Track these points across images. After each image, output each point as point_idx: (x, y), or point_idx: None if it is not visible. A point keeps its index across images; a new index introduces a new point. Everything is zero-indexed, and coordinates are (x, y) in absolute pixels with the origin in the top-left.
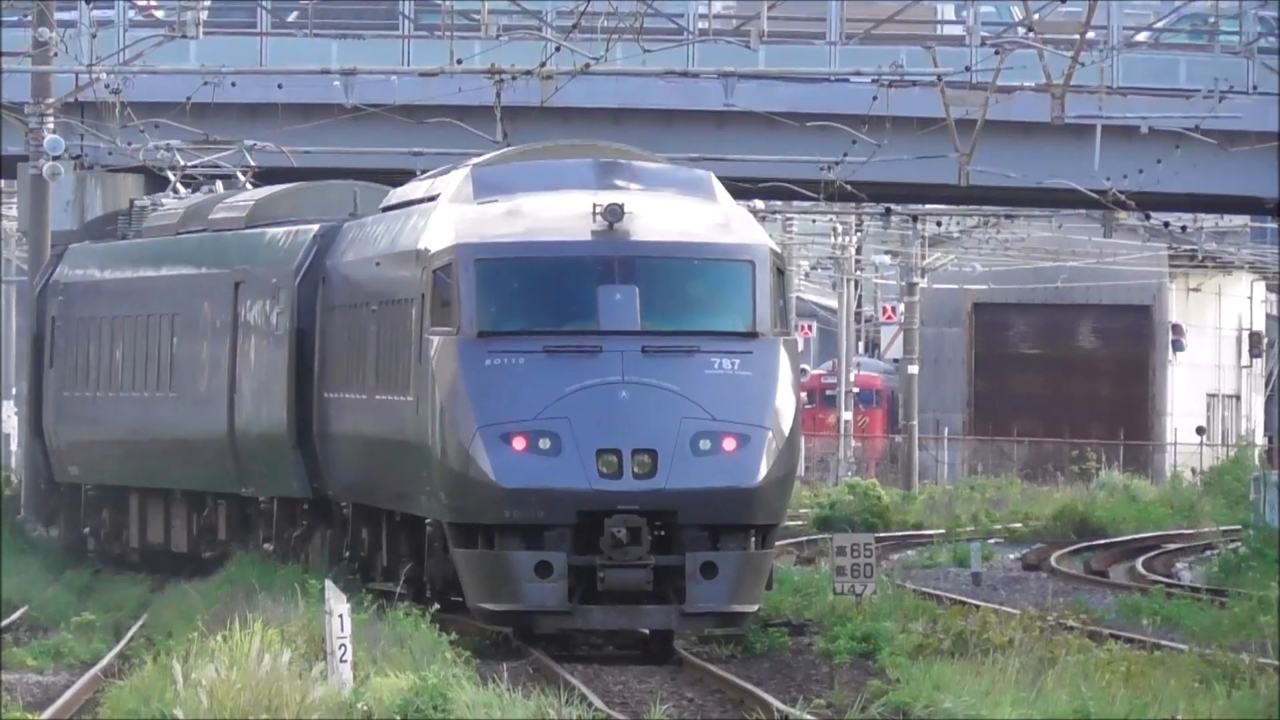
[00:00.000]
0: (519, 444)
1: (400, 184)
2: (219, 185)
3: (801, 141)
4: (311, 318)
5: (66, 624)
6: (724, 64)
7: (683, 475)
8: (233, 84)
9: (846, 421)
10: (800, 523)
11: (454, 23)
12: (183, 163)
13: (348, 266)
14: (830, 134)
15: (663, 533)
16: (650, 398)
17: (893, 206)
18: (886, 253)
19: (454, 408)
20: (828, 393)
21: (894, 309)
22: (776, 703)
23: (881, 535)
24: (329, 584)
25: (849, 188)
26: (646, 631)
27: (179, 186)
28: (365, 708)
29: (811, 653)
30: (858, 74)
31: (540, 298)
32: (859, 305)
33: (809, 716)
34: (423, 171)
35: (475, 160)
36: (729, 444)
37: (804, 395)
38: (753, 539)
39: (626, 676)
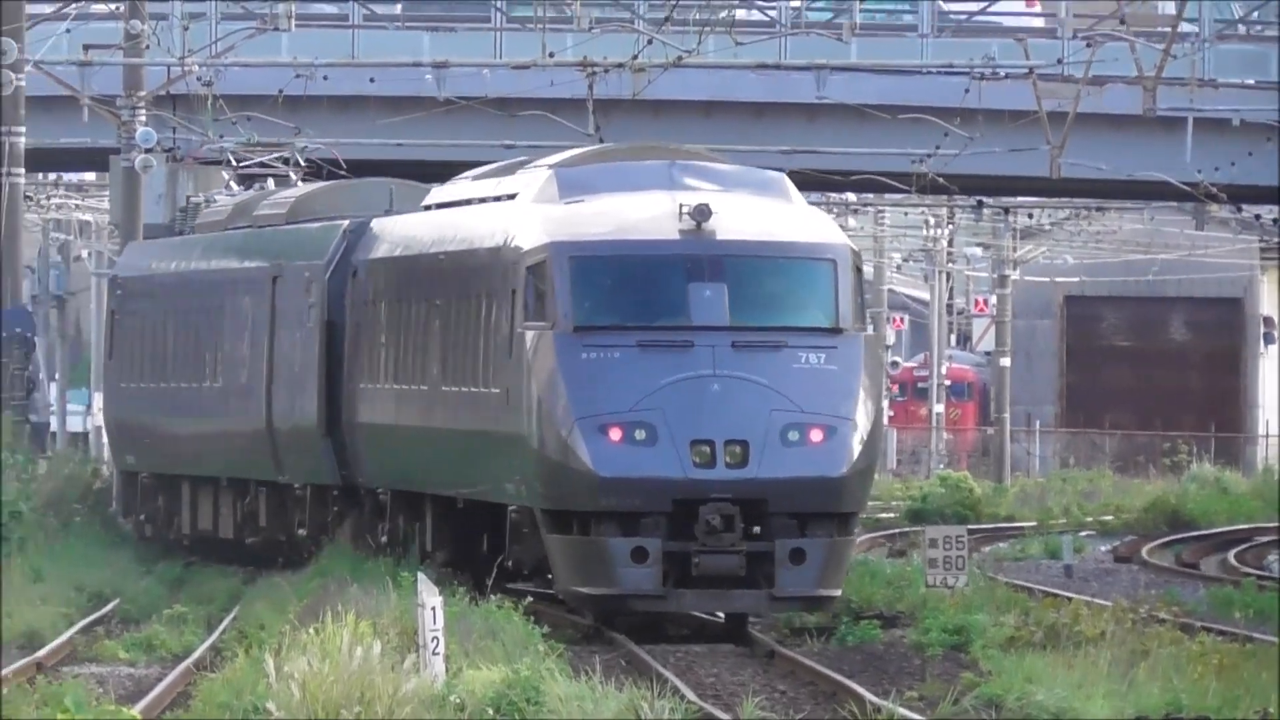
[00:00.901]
0: (615, 435)
1: (433, 181)
2: (270, 183)
3: (893, 134)
4: (341, 310)
5: (158, 616)
6: (816, 56)
7: (773, 465)
8: (325, 77)
9: (938, 414)
10: (892, 515)
11: (546, 15)
12: (234, 160)
13: (390, 261)
14: (922, 126)
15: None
16: (741, 391)
17: (984, 199)
18: (978, 245)
19: (552, 400)
20: (919, 385)
21: (986, 301)
22: (869, 695)
23: (973, 528)
24: (421, 576)
25: (941, 180)
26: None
27: (232, 184)
28: (458, 700)
29: (903, 645)
30: (950, 66)
31: (633, 294)
32: (951, 298)
33: (902, 709)
34: (463, 168)
35: (550, 161)
36: (816, 435)
37: (895, 388)
38: (837, 527)
39: (719, 669)
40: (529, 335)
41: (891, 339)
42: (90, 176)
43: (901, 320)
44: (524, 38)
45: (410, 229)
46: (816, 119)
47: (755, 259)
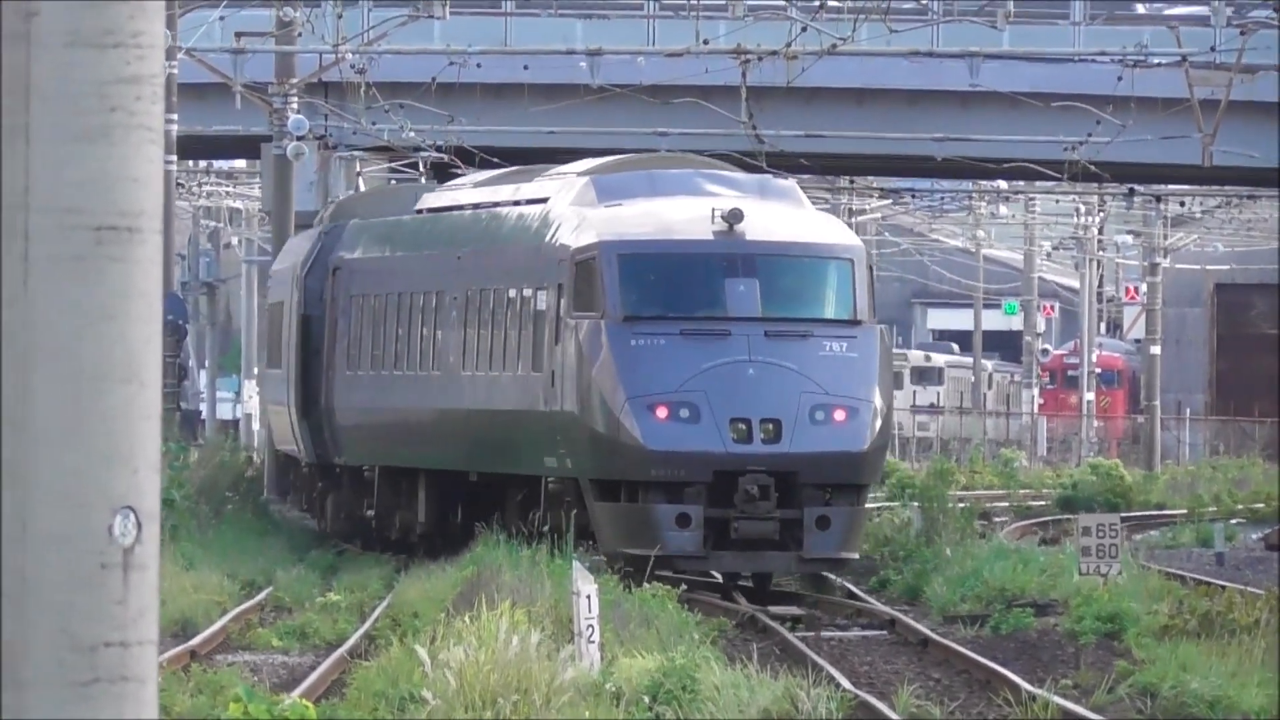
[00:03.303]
0: (662, 413)
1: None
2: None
3: (1045, 122)
4: (319, 306)
5: (311, 604)
6: (969, 44)
7: (803, 440)
8: (478, 65)
9: (1088, 402)
10: (1043, 503)
11: (700, 2)
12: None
13: (382, 260)
14: (1074, 114)
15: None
16: (774, 374)
17: (1136, 187)
18: (1128, 233)
19: (604, 381)
20: (1069, 373)
21: (1136, 289)
22: (1024, 683)
23: (1124, 515)
24: (576, 564)
25: (1092, 168)
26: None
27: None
28: (614, 689)
29: (1057, 633)
30: (1102, 54)
31: (674, 288)
32: (1101, 285)
33: (1057, 698)
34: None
35: (577, 169)
36: (840, 415)
37: (1045, 375)
38: (856, 497)
39: (872, 657)
40: (580, 324)
41: (1041, 327)
42: (240, 164)
43: (1051, 308)
44: (677, 25)
45: (406, 230)
46: (969, 106)
47: (783, 257)
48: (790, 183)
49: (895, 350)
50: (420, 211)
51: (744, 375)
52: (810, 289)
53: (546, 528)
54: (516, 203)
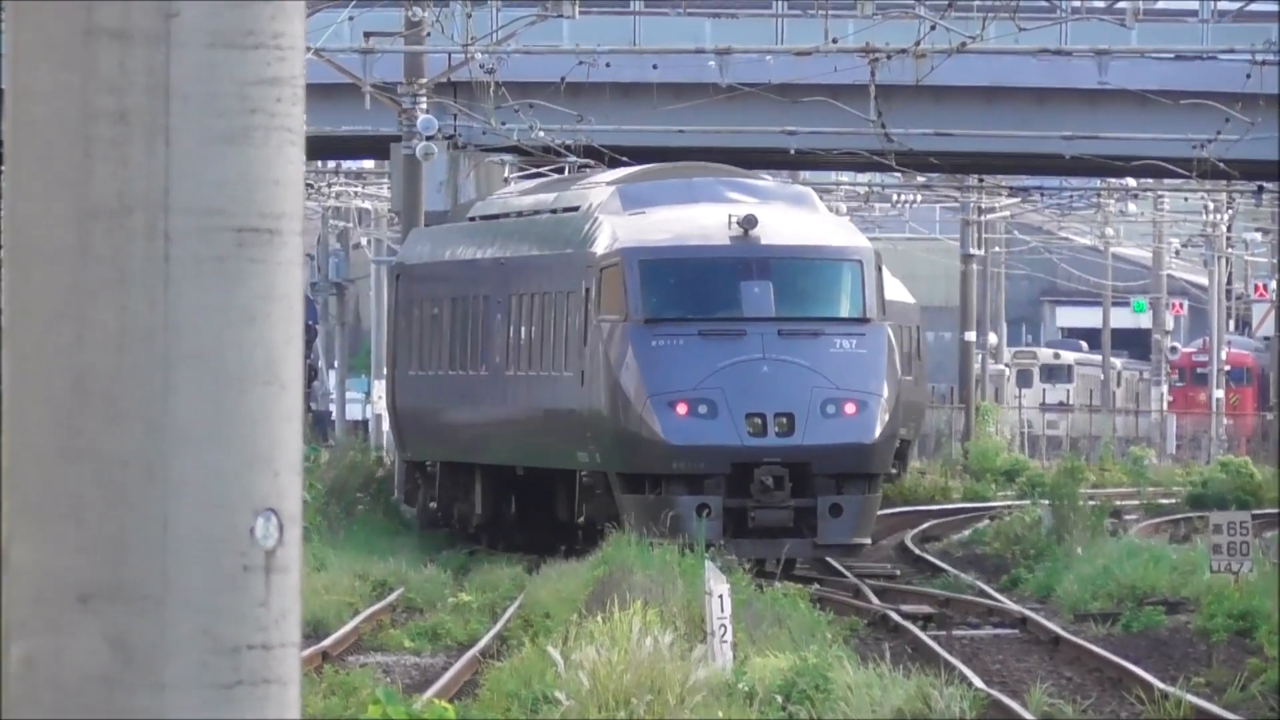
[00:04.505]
0: (682, 409)
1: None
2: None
3: (1174, 119)
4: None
5: (442, 605)
6: (1097, 42)
7: (815, 433)
8: (607, 64)
9: (1218, 399)
10: (1172, 501)
11: (828, 1)
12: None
13: (445, 265)
14: (1203, 112)
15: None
16: (787, 371)
17: (1265, 184)
18: (1257, 230)
19: (627, 380)
20: (1198, 370)
21: (1265, 286)
22: (1156, 681)
23: (1255, 513)
24: (709, 564)
25: (1221, 166)
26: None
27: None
28: (746, 689)
29: (1188, 631)
30: (1231, 51)
31: (692, 291)
32: (1230, 283)
33: (1190, 696)
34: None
35: (605, 179)
36: (850, 408)
37: (1175, 373)
38: (867, 486)
39: (1004, 656)
40: (604, 327)
41: (1170, 324)
42: (369, 164)
43: (1180, 305)
44: (805, 24)
45: (459, 236)
46: (1098, 104)
47: (795, 260)
48: (806, 189)
49: (1024, 348)
50: (473, 219)
51: (758, 372)
52: (821, 289)
53: (581, 519)
54: (554, 210)
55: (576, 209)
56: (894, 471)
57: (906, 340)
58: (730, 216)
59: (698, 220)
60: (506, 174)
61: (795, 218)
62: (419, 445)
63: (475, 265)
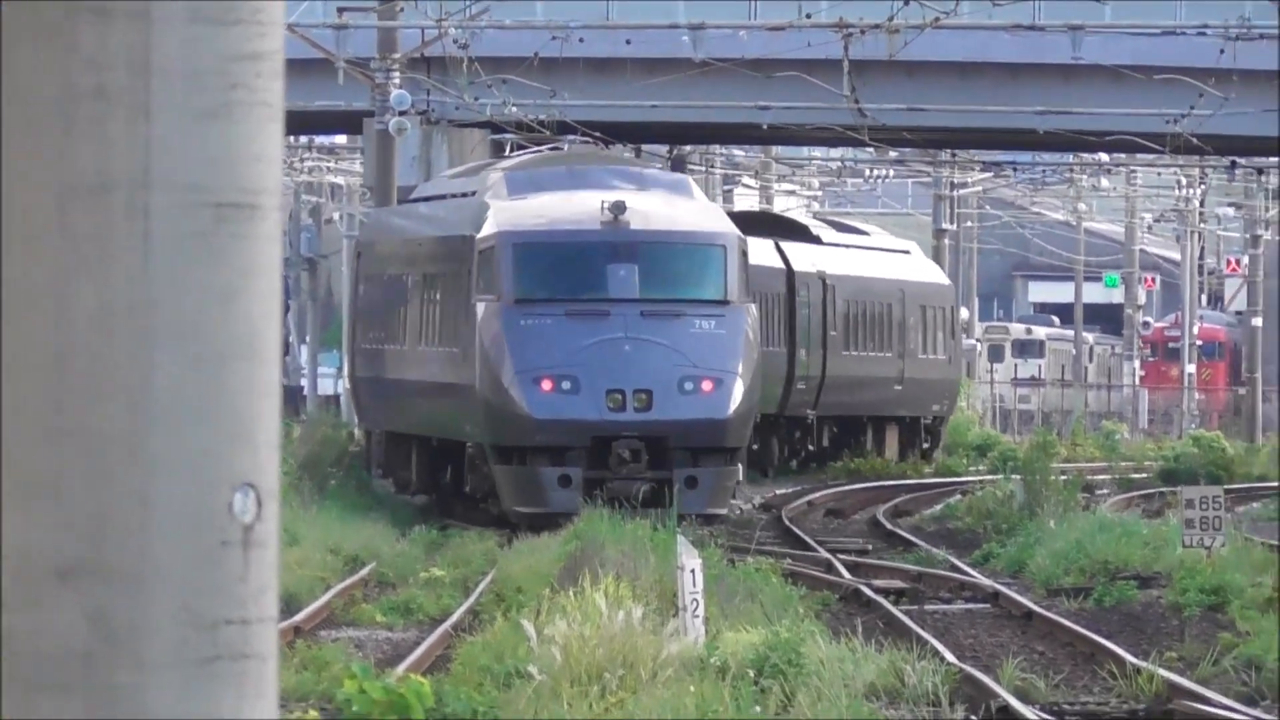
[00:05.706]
0: (547, 385)
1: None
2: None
3: (1147, 95)
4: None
5: (414, 579)
6: (1071, 17)
7: (672, 409)
8: (580, 40)
9: (1190, 374)
10: (1145, 475)
11: None
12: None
13: (378, 246)
14: (1176, 87)
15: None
16: (647, 350)
17: (1238, 160)
18: (1230, 205)
19: (498, 357)
20: (1170, 345)
21: (1238, 261)
22: (1129, 655)
23: (1227, 488)
24: (681, 539)
25: (1194, 141)
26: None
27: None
28: (719, 663)
29: (1160, 605)
30: (1205, 27)
31: (561, 273)
32: (1202, 258)
33: (1161, 670)
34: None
35: (505, 165)
36: (707, 385)
37: (1147, 348)
38: (724, 459)
39: (976, 630)
40: (480, 306)
41: (1142, 299)
42: (342, 139)
43: (1153, 280)
44: None
45: (399, 217)
46: (1071, 79)
47: (660, 244)
48: (683, 176)
49: (996, 323)
50: (415, 200)
51: (620, 351)
52: (684, 273)
53: (468, 488)
54: (458, 195)
55: (473, 194)
56: (925, 446)
57: (942, 320)
58: (603, 202)
59: (573, 206)
60: (474, 148)
61: (668, 203)
62: (368, 414)
63: (406, 244)
